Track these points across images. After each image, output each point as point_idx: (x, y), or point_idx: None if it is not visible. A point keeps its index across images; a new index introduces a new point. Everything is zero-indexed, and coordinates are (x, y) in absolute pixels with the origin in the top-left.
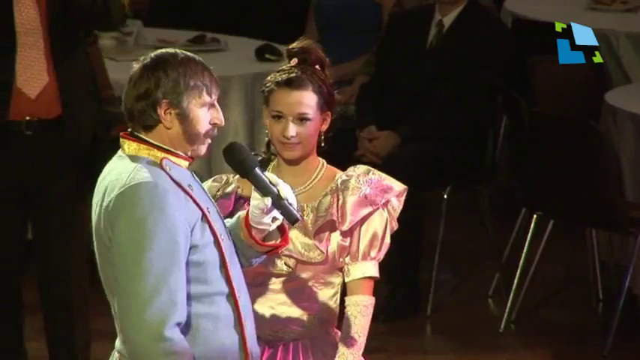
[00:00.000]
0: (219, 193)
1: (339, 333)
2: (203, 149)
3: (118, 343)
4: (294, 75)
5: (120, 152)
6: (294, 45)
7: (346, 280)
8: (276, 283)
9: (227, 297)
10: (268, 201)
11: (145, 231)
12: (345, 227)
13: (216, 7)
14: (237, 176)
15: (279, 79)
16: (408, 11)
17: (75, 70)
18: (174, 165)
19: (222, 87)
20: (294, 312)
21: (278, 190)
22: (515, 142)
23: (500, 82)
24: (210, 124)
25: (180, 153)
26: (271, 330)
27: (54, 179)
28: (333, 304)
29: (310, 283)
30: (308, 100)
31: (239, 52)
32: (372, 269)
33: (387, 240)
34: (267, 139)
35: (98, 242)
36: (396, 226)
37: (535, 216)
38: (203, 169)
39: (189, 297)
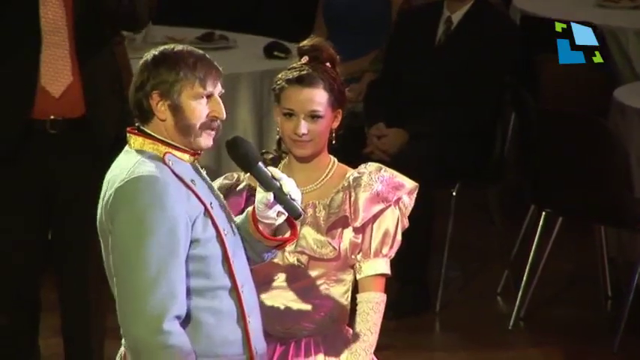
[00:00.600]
0: (230, 191)
1: (351, 330)
2: (202, 141)
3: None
4: (305, 72)
5: (127, 147)
6: (305, 43)
7: (358, 277)
8: (288, 280)
9: (230, 292)
10: (270, 195)
11: (145, 223)
12: (357, 223)
13: (225, 5)
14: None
15: (291, 76)
16: (417, 8)
17: (100, 70)
18: (177, 160)
19: (231, 84)
20: (306, 309)
21: (280, 185)
22: (523, 139)
23: (509, 80)
24: (208, 116)
25: (183, 147)
26: (283, 327)
27: (76, 178)
28: (345, 301)
29: (322, 280)
30: (319, 97)
31: (247, 49)
32: (383, 266)
33: (399, 237)
34: (277, 136)
35: (102, 236)
36: (407, 223)
37: (544, 213)
38: (213, 165)
39: (191, 291)
